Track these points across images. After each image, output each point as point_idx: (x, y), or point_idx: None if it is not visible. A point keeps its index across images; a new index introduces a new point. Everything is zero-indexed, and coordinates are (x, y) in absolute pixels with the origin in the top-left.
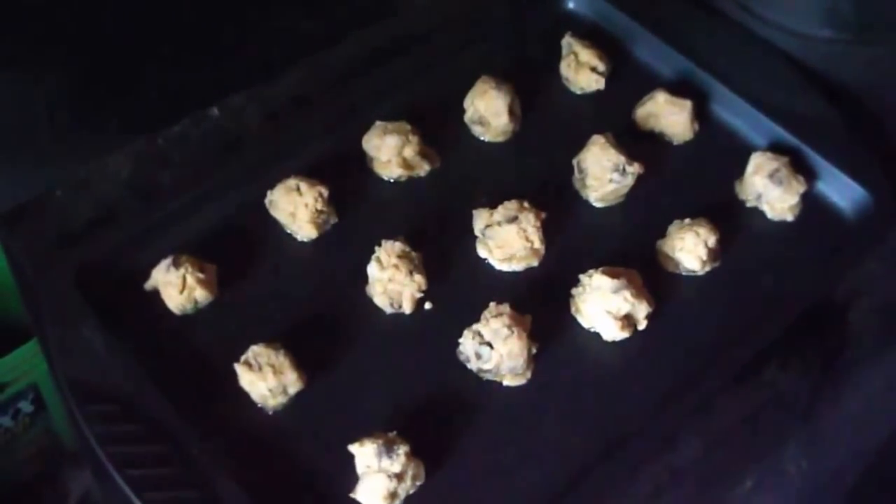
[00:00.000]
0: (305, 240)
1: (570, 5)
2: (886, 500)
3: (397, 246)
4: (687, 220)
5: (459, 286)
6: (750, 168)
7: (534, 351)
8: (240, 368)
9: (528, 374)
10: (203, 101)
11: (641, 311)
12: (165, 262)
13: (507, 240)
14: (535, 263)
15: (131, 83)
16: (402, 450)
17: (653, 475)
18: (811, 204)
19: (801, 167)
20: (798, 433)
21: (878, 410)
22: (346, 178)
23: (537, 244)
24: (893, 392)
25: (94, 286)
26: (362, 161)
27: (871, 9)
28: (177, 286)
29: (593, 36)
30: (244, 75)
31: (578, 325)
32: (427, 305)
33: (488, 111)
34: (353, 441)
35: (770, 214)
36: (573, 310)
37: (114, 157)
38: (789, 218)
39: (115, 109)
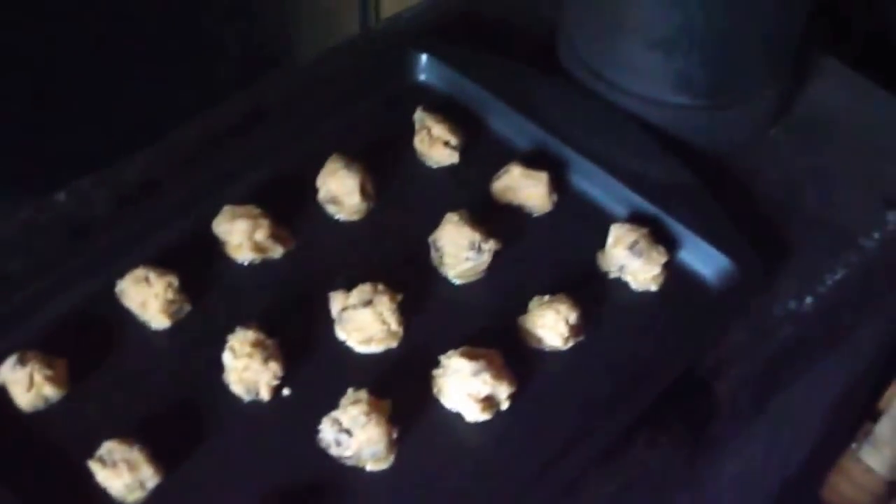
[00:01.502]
0: (159, 329)
1: (423, 77)
2: None
3: (250, 334)
4: (546, 297)
5: (319, 370)
6: (610, 240)
7: (395, 435)
8: (94, 466)
9: (391, 459)
10: (48, 185)
11: (502, 391)
12: (11, 360)
13: (364, 323)
14: (394, 345)
15: None
16: None
17: None
18: (675, 273)
19: (662, 236)
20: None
21: (758, 472)
22: (198, 262)
23: (394, 326)
24: (770, 459)
25: None
26: (215, 245)
27: (721, 74)
28: (24, 384)
29: (447, 108)
30: (91, 157)
31: (441, 406)
32: (286, 391)
33: (340, 191)
34: None
35: (633, 285)
36: (435, 391)
37: None
38: (653, 288)
39: None
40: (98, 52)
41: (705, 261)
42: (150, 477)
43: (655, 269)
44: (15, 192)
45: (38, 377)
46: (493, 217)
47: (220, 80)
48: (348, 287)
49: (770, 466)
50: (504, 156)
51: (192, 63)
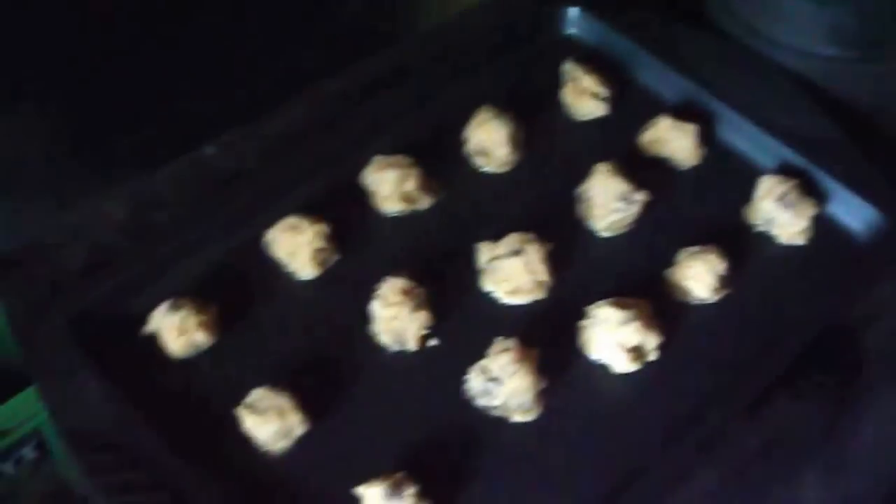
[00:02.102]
0: (306, 279)
1: (570, 30)
2: None
3: (400, 282)
4: (695, 248)
5: (465, 321)
6: (758, 192)
7: (542, 386)
8: (242, 412)
9: (537, 410)
10: (198, 139)
11: (651, 341)
12: (164, 306)
13: (512, 273)
14: (541, 296)
15: (126, 122)
16: (410, 491)
17: None
18: (822, 227)
19: (811, 189)
20: (816, 461)
21: None
22: (346, 214)
23: (543, 276)
24: None
25: (90, 333)
26: (362, 196)
27: (875, 26)
28: (176, 329)
29: (595, 61)
30: (240, 112)
31: (586, 358)
32: (432, 342)
33: (489, 142)
34: (359, 483)
35: (780, 239)
36: (581, 343)
37: (107, 200)
38: (800, 242)
39: (107, 149)
40: (244, 17)
41: (854, 213)
42: (297, 425)
43: (804, 222)
44: (166, 149)
45: (190, 323)
46: (640, 170)
47: (344, 44)
48: (495, 238)
49: None
50: (652, 109)
51: (316, 25)
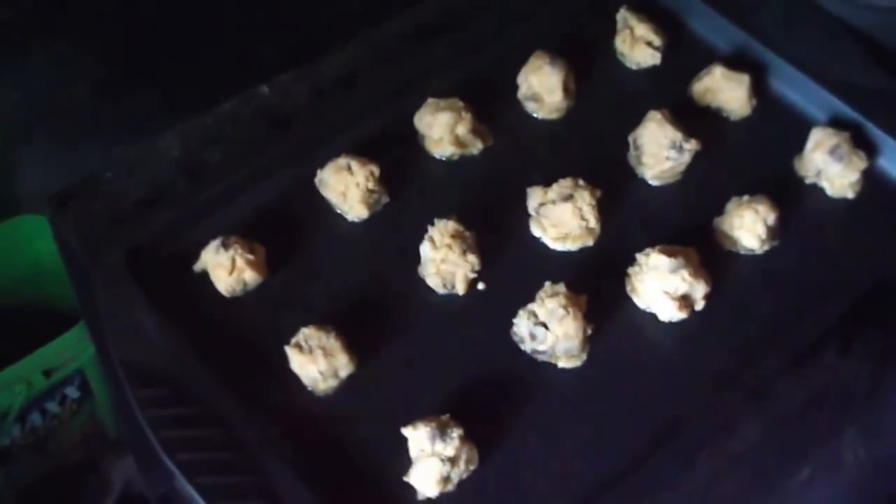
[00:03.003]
0: (356, 220)
1: None
2: None
3: (450, 225)
4: (745, 198)
5: (513, 266)
6: (809, 144)
7: (589, 332)
8: (290, 351)
9: (584, 356)
10: (253, 80)
11: (699, 291)
12: (214, 244)
13: (562, 218)
14: (590, 243)
15: (181, 62)
16: (456, 433)
17: (710, 461)
18: (873, 181)
19: (862, 143)
20: (857, 420)
21: None
22: (397, 156)
23: (593, 223)
24: None
25: (145, 268)
26: (414, 139)
27: None
28: (226, 268)
29: (648, 9)
30: (293, 54)
31: (634, 305)
32: (480, 286)
33: (542, 87)
34: (405, 424)
35: (830, 192)
36: (629, 290)
37: (163, 137)
38: (850, 195)
39: (164, 88)
40: None
41: None
42: (344, 365)
43: (854, 175)
44: (221, 89)
45: (239, 261)
46: (692, 119)
47: None
48: (546, 184)
49: None
50: (705, 58)
51: None
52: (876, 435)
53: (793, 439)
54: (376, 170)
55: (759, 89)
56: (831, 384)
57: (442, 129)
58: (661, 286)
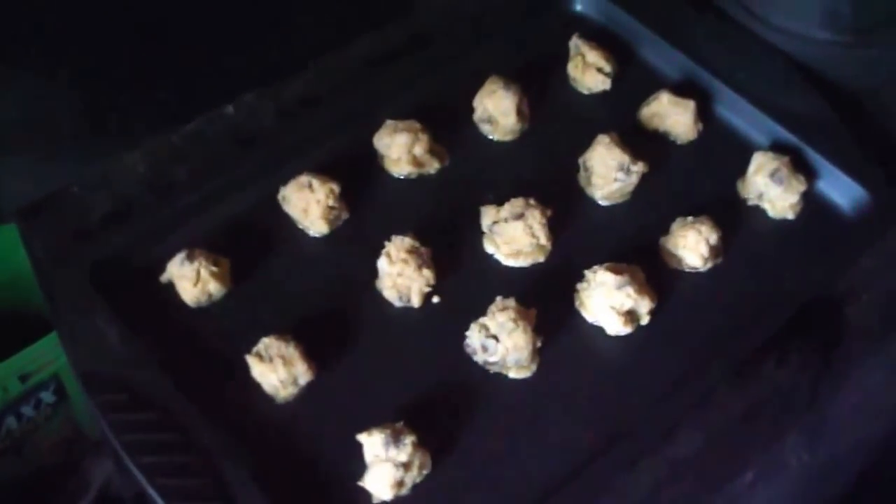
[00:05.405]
0: (317, 235)
1: (578, 7)
2: (887, 492)
3: (407, 241)
4: (689, 218)
5: (467, 281)
6: (752, 167)
7: (539, 344)
8: (251, 360)
9: (533, 367)
10: (218, 100)
11: (644, 306)
12: (180, 256)
13: (514, 236)
14: (541, 259)
15: (148, 83)
16: (409, 440)
17: (653, 468)
18: (811, 202)
19: (801, 166)
20: (798, 426)
21: (878, 403)
22: (357, 175)
23: (543, 240)
24: (893, 386)
25: (110, 279)
26: (373, 159)
27: (868, 12)
28: (191, 279)
29: (600, 38)
30: (258, 76)
31: (583, 319)
32: (435, 299)
33: (497, 110)
34: (361, 431)
35: (771, 213)
36: (578, 304)
37: (130, 154)
38: (790, 216)
39: (131, 108)
40: None
41: (842, 191)
42: (303, 373)
43: (794, 197)
44: (187, 108)
45: (204, 273)
46: (640, 142)
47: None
48: (499, 202)
49: (891, 400)
50: (653, 85)
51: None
52: (819, 439)
53: (736, 446)
54: (336, 187)
55: (705, 115)
56: (771, 393)
57: (400, 150)
58: (607, 302)
